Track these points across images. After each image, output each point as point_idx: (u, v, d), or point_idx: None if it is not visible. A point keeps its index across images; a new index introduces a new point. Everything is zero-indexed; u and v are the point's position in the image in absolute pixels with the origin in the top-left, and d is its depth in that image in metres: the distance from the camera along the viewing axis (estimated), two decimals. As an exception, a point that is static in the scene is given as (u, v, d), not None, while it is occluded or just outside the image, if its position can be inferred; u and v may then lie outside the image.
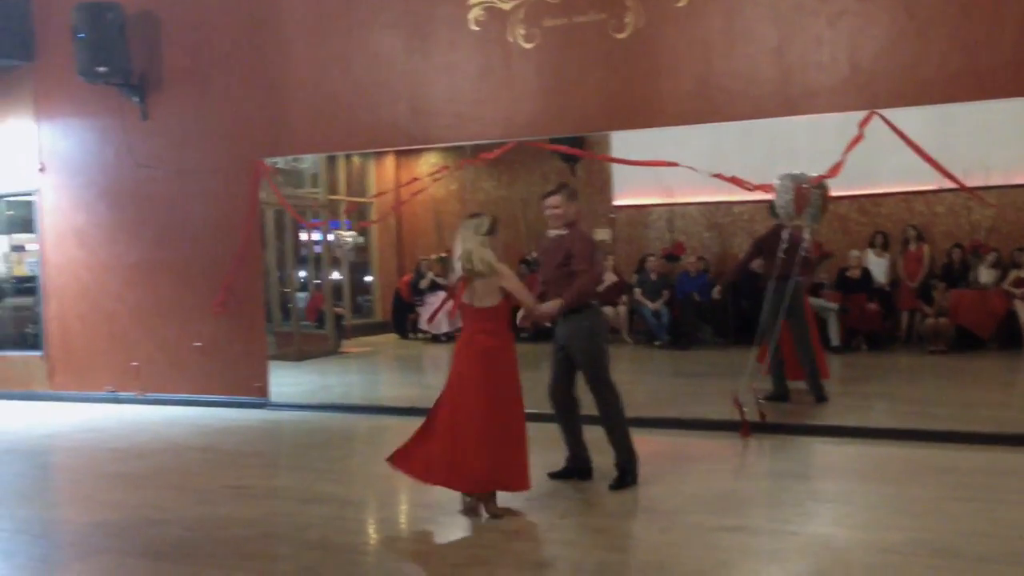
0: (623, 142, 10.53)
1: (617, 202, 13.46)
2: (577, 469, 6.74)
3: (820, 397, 8.88)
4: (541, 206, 6.61)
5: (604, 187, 13.20)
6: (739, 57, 8.35)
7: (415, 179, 10.60)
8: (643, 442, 8.22)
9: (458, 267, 5.94)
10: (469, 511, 5.96)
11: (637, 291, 13.03)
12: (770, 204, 8.48)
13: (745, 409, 7.91)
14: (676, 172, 8.53)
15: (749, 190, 8.15)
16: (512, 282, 5.93)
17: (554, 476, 6.69)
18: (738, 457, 7.53)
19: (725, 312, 12.32)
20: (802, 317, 8.98)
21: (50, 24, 11.02)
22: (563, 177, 13.11)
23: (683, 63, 8.52)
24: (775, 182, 8.14)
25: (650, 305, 12.92)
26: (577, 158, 12.50)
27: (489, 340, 5.88)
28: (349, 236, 14.89)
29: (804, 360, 8.94)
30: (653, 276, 13.01)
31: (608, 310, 13.31)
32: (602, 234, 14.07)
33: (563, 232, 6.49)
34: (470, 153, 10.13)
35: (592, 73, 8.82)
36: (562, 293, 6.29)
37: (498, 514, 5.85)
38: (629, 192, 12.52)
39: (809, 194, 8.06)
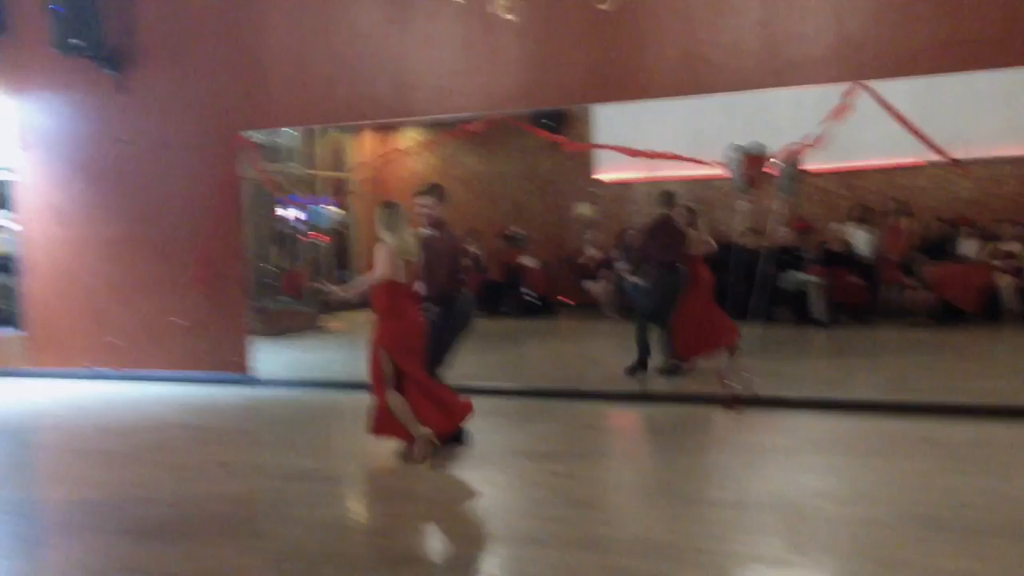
0: (606, 115, 10.49)
1: (599, 177, 13.41)
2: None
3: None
4: (412, 203, 7.04)
5: (585, 162, 13.15)
6: (724, 28, 8.29)
7: (395, 150, 10.49)
8: (630, 417, 8.27)
9: (404, 252, 6.58)
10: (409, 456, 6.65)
11: (620, 265, 12.99)
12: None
13: (731, 383, 7.91)
14: (660, 145, 8.52)
15: (698, 162, 8.21)
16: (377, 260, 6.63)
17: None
18: (724, 431, 7.52)
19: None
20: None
21: (22, -5, 10.80)
22: (543, 152, 13.06)
23: (667, 35, 8.45)
24: (726, 156, 8.11)
25: (632, 279, 12.88)
26: (559, 132, 12.43)
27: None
28: (331, 209, 14.78)
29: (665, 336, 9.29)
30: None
31: (589, 285, 13.31)
32: (583, 209, 14.04)
33: (437, 233, 7.02)
34: (451, 127, 10.04)
35: (575, 45, 8.74)
36: (450, 286, 7.07)
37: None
38: (611, 167, 12.48)
39: (762, 165, 8.05)
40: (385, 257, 6.54)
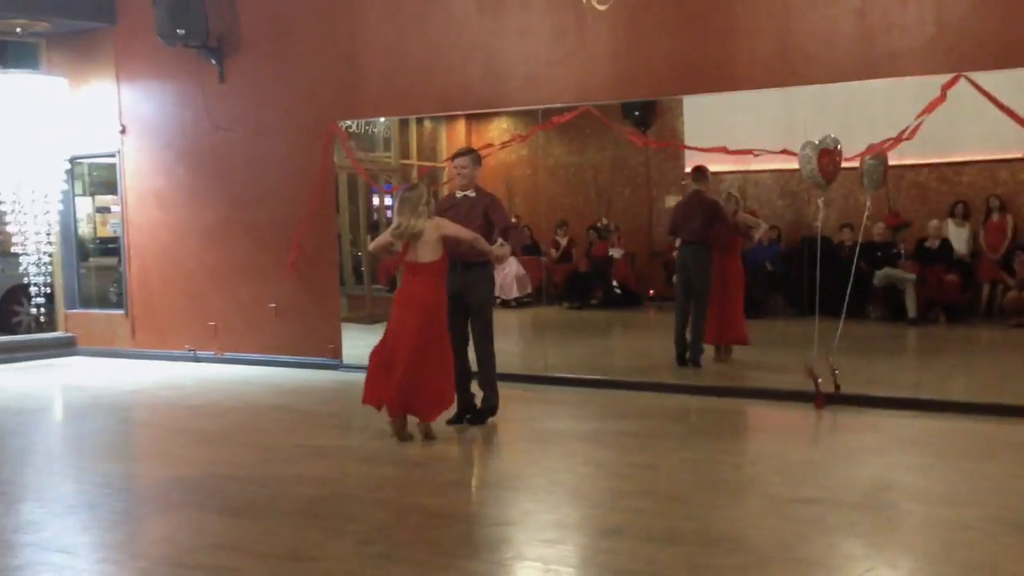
0: (696, 106, 10.38)
1: (689, 169, 13.27)
2: (467, 411, 7.43)
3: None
4: (450, 166, 7.51)
5: (676, 153, 13.01)
6: (819, 18, 8.15)
7: (488, 145, 10.57)
8: (714, 411, 8.21)
9: (398, 233, 6.81)
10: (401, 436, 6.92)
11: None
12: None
13: (819, 380, 7.79)
14: (751, 137, 8.41)
15: (756, 155, 8.14)
16: (452, 228, 6.87)
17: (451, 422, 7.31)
18: (812, 429, 7.43)
19: (799, 282, 12.12)
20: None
21: (130, -14, 11.19)
22: (634, 143, 12.98)
23: (761, 24, 8.35)
24: (798, 152, 7.95)
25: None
26: (648, 123, 12.33)
27: (427, 290, 6.86)
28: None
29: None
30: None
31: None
32: (673, 201, 13.88)
33: (470, 193, 7.25)
34: (541, 117, 10.05)
35: (667, 35, 8.69)
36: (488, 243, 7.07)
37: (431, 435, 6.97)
38: (701, 159, 12.33)
39: (837, 160, 7.88)
40: (382, 235, 7.02)
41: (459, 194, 7.32)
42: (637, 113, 11.05)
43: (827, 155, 7.79)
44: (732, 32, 8.44)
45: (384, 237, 7.02)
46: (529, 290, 14.62)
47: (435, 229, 6.81)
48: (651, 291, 13.44)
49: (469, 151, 7.51)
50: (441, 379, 6.95)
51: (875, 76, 8.01)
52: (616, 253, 12.29)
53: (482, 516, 5.36)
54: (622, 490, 5.79)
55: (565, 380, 9.21)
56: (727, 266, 9.77)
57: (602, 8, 8.69)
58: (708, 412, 8.29)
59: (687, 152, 11.69)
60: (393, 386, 6.86)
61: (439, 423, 7.15)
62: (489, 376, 7.45)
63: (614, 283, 13.45)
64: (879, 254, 11.74)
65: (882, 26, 7.94)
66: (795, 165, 8.10)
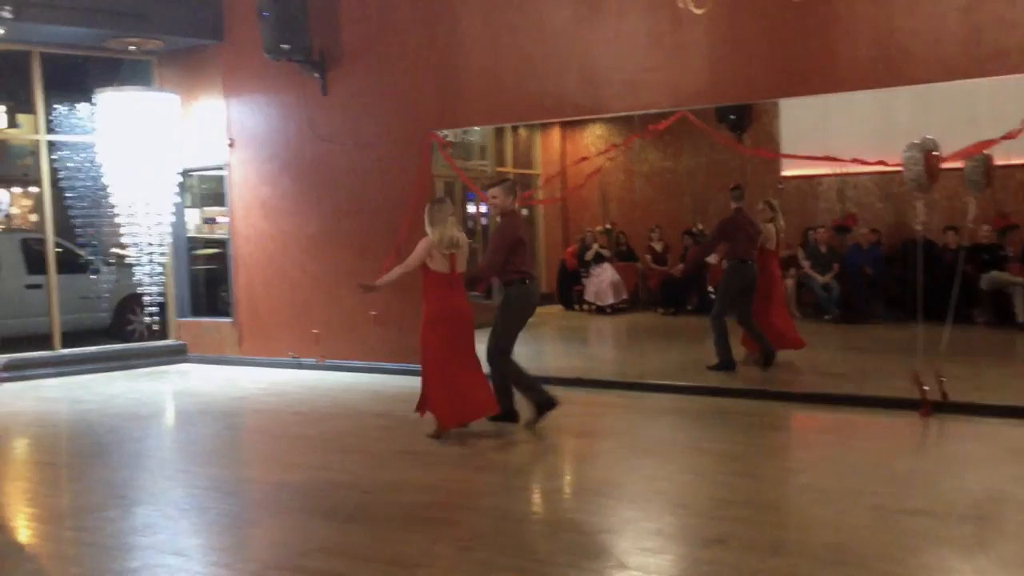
0: (792, 109, 10.25)
1: (785, 172, 13.11)
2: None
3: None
4: (485, 196, 7.97)
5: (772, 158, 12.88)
6: (924, 16, 7.96)
7: (584, 158, 10.59)
8: (814, 419, 8.09)
9: (445, 245, 7.25)
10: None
11: (806, 264, 12.67)
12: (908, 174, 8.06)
13: (926, 387, 7.61)
14: (848, 139, 8.27)
15: (868, 164, 7.96)
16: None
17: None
18: (919, 437, 7.26)
19: (902, 285, 11.84)
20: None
21: (237, 4, 11.54)
22: (730, 148, 12.88)
23: (861, 24, 8.20)
24: (903, 155, 7.74)
25: (819, 278, 12.56)
26: (744, 127, 12.22)
27: (466, 299, 7.52)
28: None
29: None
30: (823, 248, 12.63)
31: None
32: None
33: (498, 219, 7.80)
34: (637, 123, 10.05)
35: (765, 37, 8.59)
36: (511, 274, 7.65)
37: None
38: (797, 162, 12.17)
39: (939, 161, 7.66)
40: (420, 248, 7.28)
41: (498, 220, 7.87)
42: (732, 117, 10.98)
43: (932, 157, 7.61)
44: (832, 32, 8.31)
45: (417, 257, 7.32)
46: (624, 296, 14.62)
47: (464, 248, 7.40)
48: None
49: (502, 181, 7.95)
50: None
51: (982, 75, 7.80)
52: (712, 258, 12.17)
53: (582, 524, 5.38)
54: (723, 499, 5.75)
55: (661, 387, 9.18)
56: (771, 271, 9.89)
57: (699, 12, 8.66)
58: (809, 420, 8.18)
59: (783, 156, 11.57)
60: (487, 390, 7.42)
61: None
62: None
63: (709, 288, 13.36)
64: (986, 257, 11.41)
65: (990, 22, 7.72)
66: (896, 168, 7.93)
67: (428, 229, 7.30)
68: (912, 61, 8.02)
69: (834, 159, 8.52)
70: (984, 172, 7.85)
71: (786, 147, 12.95)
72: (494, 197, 7.75)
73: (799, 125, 9.83)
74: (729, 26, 8.72)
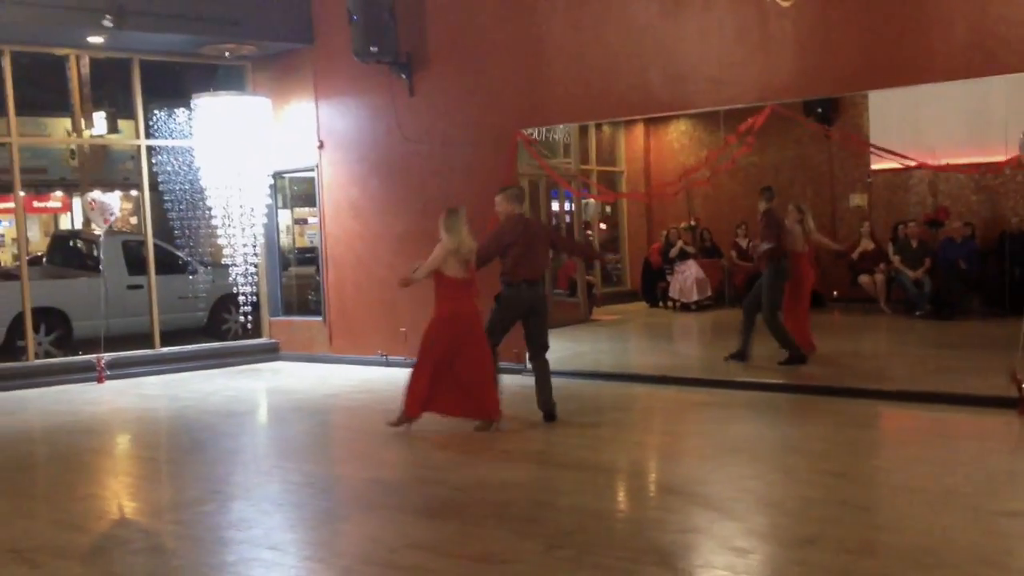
0: (882, 100, 10.04)
1: (875, 166, 12.83)
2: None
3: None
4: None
5: (861, 150, 12.63)
6: (1020, 2, 7.72)
7: (694, 168, 10.49)
8: (906, 417, 7.93)
9: (464, 252, 7.58)
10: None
11: (896, 259, 12.41)
12: None
13: (1024, 384, 7.40)
14: (940, 130, 8.08)
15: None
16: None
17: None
18: (1016, 436, 7.07)
19: (1000, 280, 11.52)
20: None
21: (326, 8, 11.77)
22: (817, 142, 12.67)
23: (956, 13, 7.99)
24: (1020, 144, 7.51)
25: (911, 274, 12.29)
26: (831, 120, 12.00)
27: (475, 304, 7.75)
28: (592, 203, 15.06)
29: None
30: (914, 243, 12.35)
31: (864, 278, 12.78)
32: (858, 200, 13.48)
33: (512, 226, 7.96)
34: (723, 118, 9.96)
35: (853, 29, 8.44)
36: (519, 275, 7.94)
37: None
38: (888, 156, 11.93)
39: None
40: (436, 254, 7.54)
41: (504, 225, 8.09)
42: (820, 110, 10.79)
43: None
44: (924, 21, 8.12)
45: (436, 261, 7.55)
46: (709, 293, 14.49)
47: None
48: (835, 292, 13.07)
49: (505, 189, 8.29)
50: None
51: (1084, 62, 7.54)
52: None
53: (669, 522, 5.38)
54: (813, 498, 5.69)
55: (748, 384, 9.10)
56: (801, 272, 9.95)
57: (786, 5, 8.56)
58: (901, 418, 8.03)
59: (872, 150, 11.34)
60: (465, 394, 7.68)
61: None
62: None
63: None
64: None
65: (1091, 8, 7.46)
66: (991, 158, 7.71)
67: (444, 236, 7.55)
68: (1008, 49, 7.79)
69: (926, 165, 8.33)
70: None
71: (875, 139, 12.71)
72: (497, 205, 8.08)
73: (888, 117, 9.62)
74: (817, 18, 8.59)
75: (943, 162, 8.43)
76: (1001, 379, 7.52)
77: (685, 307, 14.53)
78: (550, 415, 7.98)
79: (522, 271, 7.91)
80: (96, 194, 11.70)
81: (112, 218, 11.52)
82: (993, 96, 8.70)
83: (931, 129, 8.21)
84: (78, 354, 11.87)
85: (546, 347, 8.07)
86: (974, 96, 8.66)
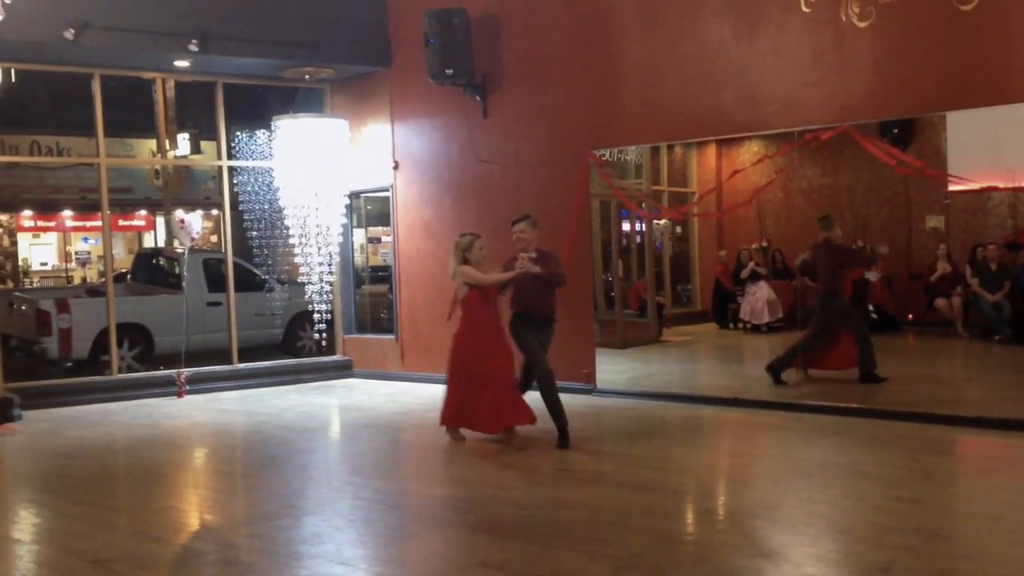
0: (960, 121, 9.85)
1: (952, 187, 12.59)
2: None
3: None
4: (511, 231, 8.28)
5: (938, 171, 12.41)
6: (1105, 23, 7.56)
7: (737, 171, 10.50)
8: (984, 444, 7.77)
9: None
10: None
11: (974, 282, 12.14)
12: None
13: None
14: (1021, 152, 7.90)
15: None
16: (480, 278, 8.07)
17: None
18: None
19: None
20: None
21: (403, 32, 11.99)
22: (889, 164, 12.47)
23: (1036, 32, 7.84)
24: None
25: (989, 297, 12.02)
26: (908, 141, 11.79)
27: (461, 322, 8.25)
28: (662, 223, 15.00)
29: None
30: (993, 266, 12.07)
31: (941, 302, 12.52)
32: (934, 222, 13.20)
33: (532, 255, 8.05)
34: (797, 140, 9.89)
35: (931, 50, 8.34)
36: (542, 303, 8.28)
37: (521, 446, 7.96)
38: (966, 175, 11.69)
39: None
40: (469, 269, 8.04)
41: (523, 255, 8.08)
42: (896, 131, 10.62)
43: None
44: (1003, 41, 7.99)
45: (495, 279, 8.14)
46: (780, 315, 14.33)
47: (461, 275, 8.07)
48: (909, 315, 12.82)
49: (525, 217, 8.31)
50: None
51: None
52: (873, 276, 11.83)
53: (738, 546, 5.35)
54: (887, 525, 5.61)
55: (820, 408, 8.99)
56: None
57: (862, 25, 8.50)
58: (978, 445, 7.86)
59: (950, 169, 11.13)
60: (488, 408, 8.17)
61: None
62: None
63: (870, 307, 12.95)
64: None
65: None
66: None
67: (452, 260, 8.17)
68: (1091, 70, 7.63)
69: (997, 188, 8.25)
70: None
71: (953, 161, 12.45)
72: (522, 232, 8.17)
73: (968, 138, 9.43)
74: (893, 38, 8.51)
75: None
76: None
77: (756, 329, 14.39)
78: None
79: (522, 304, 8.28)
80: (182, 213, 12.05)
81: (196, 236, 11.84)
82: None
83: (1011, 151, 8.04)
84: (159, 369, 12.19)
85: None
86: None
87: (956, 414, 8.37)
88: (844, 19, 8.74)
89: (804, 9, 8.96)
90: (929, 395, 9.26)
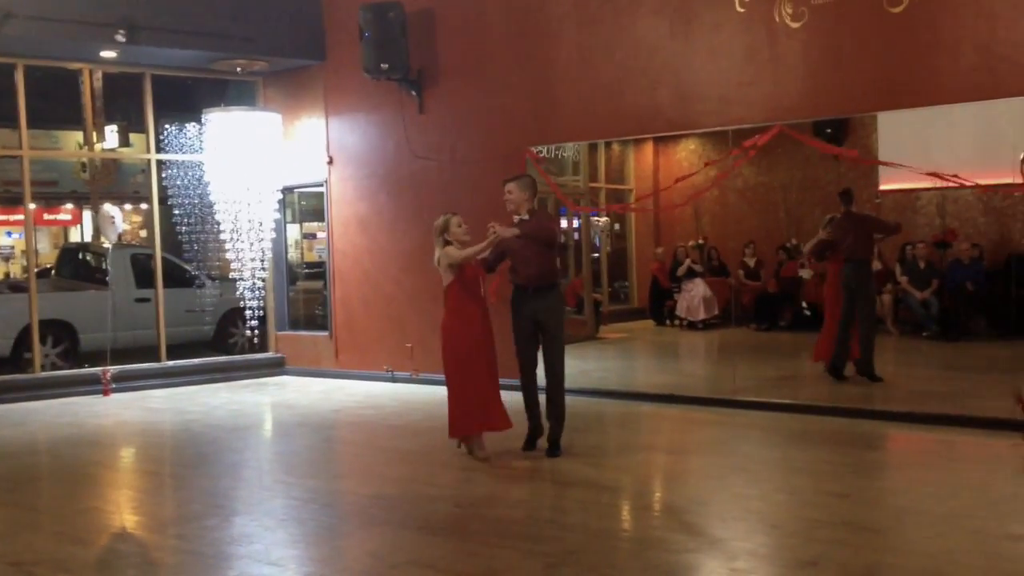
0: (891, 122, 10.04)
1: (883, 186, 12.83)
2: (537, 435, 7.47)
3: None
4: (502, 191, 7.53)
5: (869, 171, 12.63)
6: (1029, 26, 7.72)
7: (682, 177, 10.50)
8: (912, 439, 7.90)
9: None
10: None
11: (904, 280, 12.39)
12: None
13: (1029, 408, 7.35)
14: (948, 153, 8.10)
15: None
16: (456, 254, 7.16)
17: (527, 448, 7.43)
18: (1021, 460, 7.02)
19: (1006, 302, 11.48)
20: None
21: (338, 25, 11.83)
22: (825, 161, 12.67)
23: (964, 35, 7.99)
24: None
25: (918, 294, 12.27)
26: (840, 141, 12.00)
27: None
28: (601, 220, 15.07)
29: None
30: (921, 264, 12.33)
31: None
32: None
33: (524, 217, 7.34)
34: (731, 138, 9.97)
35: (863, 51, 8.44)
36: (536, 270, 7.29)
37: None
38: (896, 176, 11.91)
39: None
40: (452, 249, 7.18)
41: (516, 218, 7.43)
42: (828, 131, 10.79)
43: None
44: (933, 43, 8.12)
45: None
46: (716, 311, 14.48)
47: (444, 257, 7.21)
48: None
49: (519, 176, 7.61)
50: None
51: (1092, 86, 7.53)
52: (806, 274, 11.99)
53: (671, 542, 5.36)
54: (817, 520, 5.66)
55: (754, 404, 9.07)
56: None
57: (795, 26, 8.58)
58: (906, 440, 7.99)
59: (881, 170, 11.33)
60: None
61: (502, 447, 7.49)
62: (560, 407, 7.40)
63: (803, 304, 13.15)
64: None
65: (1099, 32, 7.46)
66: (1000, 181, 7.71)
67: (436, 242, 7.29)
68: (1016, 72, 7.78)
69: (937, 175, 8.34)
70: None
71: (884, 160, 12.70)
72: (509, 192, 7.41)
73: (897, 138, 9.61)
74: (826, 38, 8.60)
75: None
76: (1007, 402, 7.49)
77: (692, 325, 14.52)
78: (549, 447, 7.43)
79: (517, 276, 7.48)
80: (110, 207, 11.77)
81: (122, 231, 11.56)
82: (1002, 119, 8.69)
83: (940, 151, 8.21)
84: (84, 367, 11.89)
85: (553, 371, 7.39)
86: (984, 119, 8.66)
87: (886, 409, 8.51)
88: (777, 19, 8.81)
89: (739, 9, 9.02)
90: (859, 391, 9.40)
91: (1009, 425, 7.48)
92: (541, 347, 7.46)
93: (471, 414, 7.22)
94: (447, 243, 7.23)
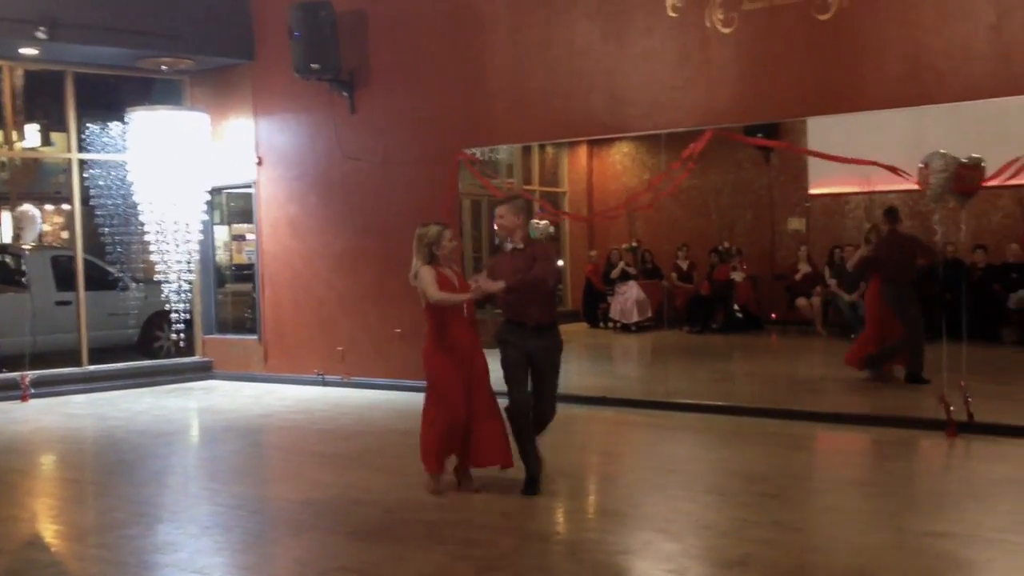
0: (820, 128, 10.17)
1: (813, 190, 13.04)
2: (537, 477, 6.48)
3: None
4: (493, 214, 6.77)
5: (799, 175, 12.82)
6: (952, 35, 7.91)
7: (639, 195, 10.50)
8: (840, 439, 8.01)
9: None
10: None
11: (833, 283, 12.59)
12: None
13: (952, 408, 7.51)
14: (877, 158, 8.24)
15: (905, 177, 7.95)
16: (432, 294, 6.31)
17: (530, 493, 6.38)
18: (944, 458, 7.16)
19: (938, 305, 11.70)
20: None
21: (267, 24, 11.65)
22: (757, 166, 12.82)
23: (891, 43, 8.15)
24: (932, 165, 7.69)
25: (847, 297, 12.47)
26: (770, 147, 12.14)
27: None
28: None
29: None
30: (849, 267, 12.54)
31: (801, 301, 12.94)
32: (796, 224, 13.63)
33: (519, 246, 6.44)
34: (664, 142, 10.02)
35: (792, 57, 8.56)
36: (537, 308, 6.36)
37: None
38: (825, 180, 12.09)
39: (976, 178, 7.63)
40: (424, 275, 6.37)
41: (508, 246, 6.53)
42: (760, 135, 10.89)
43: (964, 172, 7.54)
44: (860, 51, 8.26)
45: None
46: (649, 314, 14.56)
47: (420, 283, 6.39)
48: (773, 315, 13.22)
49: (511, 198, 6.65)
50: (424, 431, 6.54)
51: (1015, 92, 7.73)
52: (738, 276, 12.10)
53: (603, 544, 5.34)
54: (747, 520, 5.69)
55: (686, 406, 9.12)
56: None
57: (726, 31, 8.66)
58: (833, 440, 8.10)
59: (811, 174, 11.48)
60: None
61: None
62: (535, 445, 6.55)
63: (735, 307, 13.28)
64: (1014, 276, 11.26)
65: (1020, 40, 7.65)
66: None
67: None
68: (942, 80, 7.96)
69: (859, 161, 8.48)
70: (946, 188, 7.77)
71: (813, 167, 12.88)
72: (500, 217, 6.48)
73: (827, 144, 9.73)
74: (757, 44, 8.70)
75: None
76: (931, 402, 7.64)
77: (625, 328, 14.57)
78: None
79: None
80: (29, 207, 11.44)
81: (40, 231, 11.22)
82: (930, 126, 8.86)
83: (869, 157, 8.35)
84: (2, 372, 11.51)
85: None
86: (911, 125, 8.83)
87: (815, 410, 8.61)
88: (709, 25, 8.88)
89: (671, 14, 9.08)
90: (790, 392, 9.51)
91: (933, 424, 7.64)
92: (532, 388, 6.50)
93: (436, 451, 6.44)
94: (432, 257, 6.39)
